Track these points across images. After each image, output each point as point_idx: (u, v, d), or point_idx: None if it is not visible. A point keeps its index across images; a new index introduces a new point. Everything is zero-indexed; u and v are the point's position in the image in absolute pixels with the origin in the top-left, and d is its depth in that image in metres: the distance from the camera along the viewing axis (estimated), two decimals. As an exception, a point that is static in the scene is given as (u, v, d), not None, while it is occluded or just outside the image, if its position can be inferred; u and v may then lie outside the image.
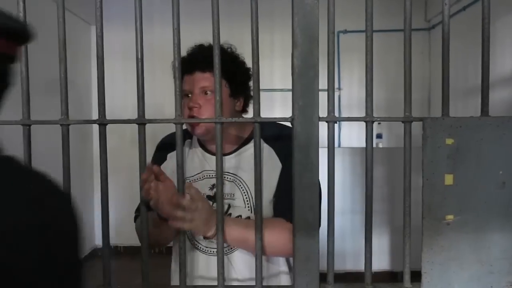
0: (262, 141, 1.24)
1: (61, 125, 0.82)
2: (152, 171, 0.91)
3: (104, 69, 0.83)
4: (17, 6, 0.81)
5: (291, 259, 1.32)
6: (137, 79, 0.82)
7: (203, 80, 1.15)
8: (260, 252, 0.82)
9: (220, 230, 0.83)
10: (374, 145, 3.87)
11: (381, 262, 3.53)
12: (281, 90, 4.17)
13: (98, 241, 4.58)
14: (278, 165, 1.18)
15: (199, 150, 1.24)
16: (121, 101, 3.49)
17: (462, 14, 3.42)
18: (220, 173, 0.82)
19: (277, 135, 1.17)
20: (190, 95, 1.17)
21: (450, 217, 0.81)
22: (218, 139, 0.82)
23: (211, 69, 1.17)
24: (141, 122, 0.80)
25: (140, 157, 0.82)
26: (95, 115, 4.71)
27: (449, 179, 0.81)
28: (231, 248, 1.17)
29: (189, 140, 1.27)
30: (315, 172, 0.79)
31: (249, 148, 1.21)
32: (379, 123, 4.00)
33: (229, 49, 1.22)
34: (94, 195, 4.60)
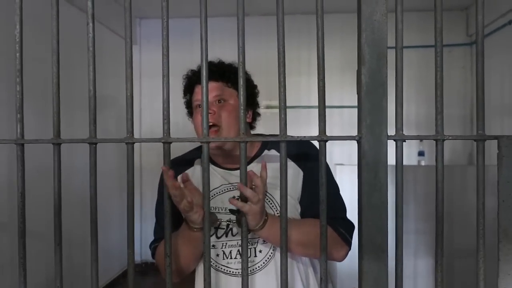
0: (275, 151, 1.29)
1: (126, 143, 0.83)
2: (172, 177, 0.93)
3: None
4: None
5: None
6: (201, 98, 0.82)
7: (217, 89, 1.18)
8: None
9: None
10: (416, 163, 3.73)
11: (419, 285, 3.44)
12: (308, 107, 4.34)
13: (137, 256, 4.63)
14: (299, 172, 1.22)
15: (210, 166, 1.27)
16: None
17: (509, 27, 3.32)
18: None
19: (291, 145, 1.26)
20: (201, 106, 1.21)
21: (529, 241, 0.76)
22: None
23: (224, 79, 1.22)
24: (207, 141, 0.80)
25: (203, 174, 0.82)
26: (136, 132, 4.79)
27: (528, 201, 0.76)
28: (253, 270, 1.18)
29: (199, 159, 1.31)
30: (384, 192, 0.77)
31: (259, 162, 1.25)
32: (421, 141, 3.90)
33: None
34: (135, 210, 4.67)
